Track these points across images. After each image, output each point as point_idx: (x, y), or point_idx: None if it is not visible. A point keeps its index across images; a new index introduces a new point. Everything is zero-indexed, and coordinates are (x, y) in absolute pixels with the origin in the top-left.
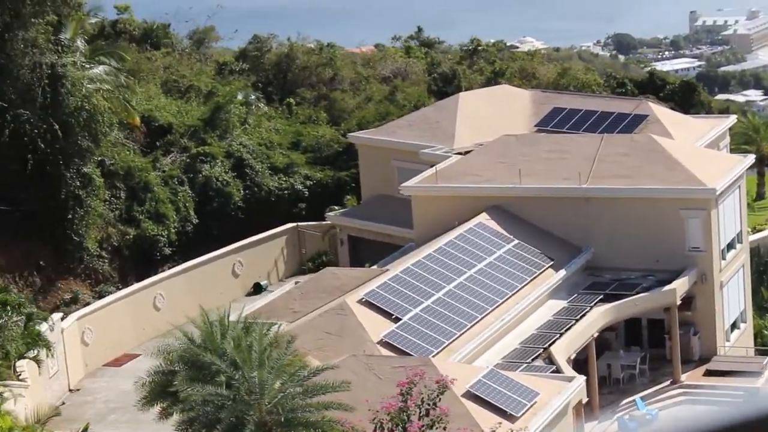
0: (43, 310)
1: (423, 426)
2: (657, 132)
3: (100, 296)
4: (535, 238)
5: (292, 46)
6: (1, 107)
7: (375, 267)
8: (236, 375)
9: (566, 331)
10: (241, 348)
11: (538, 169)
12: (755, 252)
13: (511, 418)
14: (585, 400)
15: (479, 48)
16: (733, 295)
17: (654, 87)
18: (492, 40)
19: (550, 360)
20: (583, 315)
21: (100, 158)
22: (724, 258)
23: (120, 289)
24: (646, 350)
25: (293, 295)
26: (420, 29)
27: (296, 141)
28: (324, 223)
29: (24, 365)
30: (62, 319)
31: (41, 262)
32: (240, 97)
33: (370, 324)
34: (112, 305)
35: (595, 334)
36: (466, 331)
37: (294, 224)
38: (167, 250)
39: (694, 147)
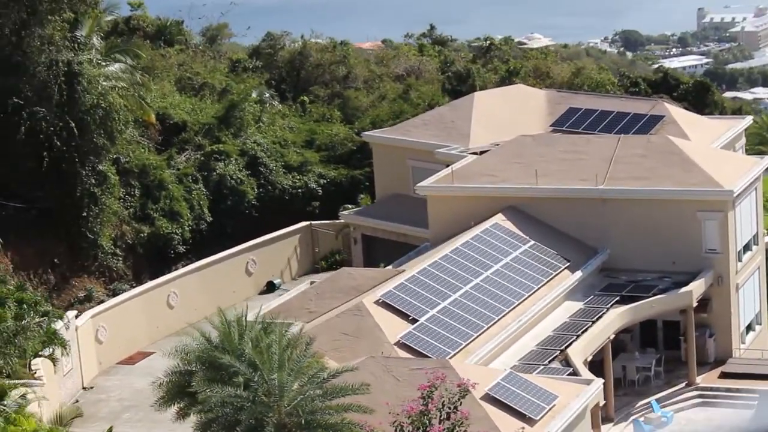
0: (58, 308)
1: (444, 430)
2: (673, 133)
3: (114, 294)
4: (552, 239)
5: (305, 44)
6: (18, 104)
7: (390, 267)
8: (255, 376)
9: (583, 333)
10: (259, 349)
11: (554, 169)
12: None
13: (530, 421)
14: (602, 402)
15: (492, 46)
16: (748, 297)
17: (667, 86)
18: (499, 36)
19: (567, 362)
20: (600, 317)
21: (115, 156)
22: (740, 260)
23: (134, 287)
24: (661, 352)
25: (309, 295)
26: (432, 27)
27: (310, 139)
28: (337, 221)
29: (39, 363)
30: (76, 316)
31: (56, 260)
32: (254, 95)
33: (387, 325)
34: (126, 303)
35: (612, 336)
36: (482, 333)
37: (307, 223)
38: (181, 248)
39: (711, 148)
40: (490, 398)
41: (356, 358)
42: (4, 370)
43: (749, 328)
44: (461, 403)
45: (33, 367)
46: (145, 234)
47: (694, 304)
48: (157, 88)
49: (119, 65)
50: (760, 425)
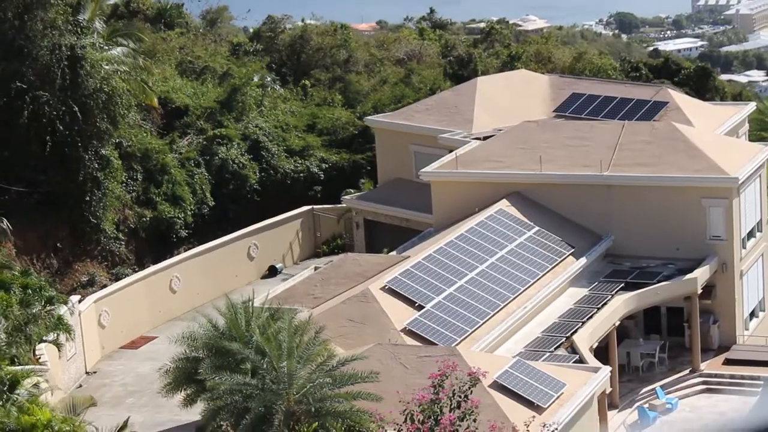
0: (60, 293)
1: (454, 418)
2: (677, 119)
3: (117, 278)
4: (556, 226)
5: (306, 27)
6: (21, 89)
7: (394, 253)
8: (263, 363)
9: (588, 319)
10: (267, 336)
11: (558, 155)
12: None
13: (538, 409)
14: (609, 390)
15: (493, 30)
16: (752, 283)
17: (669, 71)
18: (494, 18)
19: (573, 349)
20: (605, 303)
21: (117, 140)
22: (744, 247)
23: (136, 272)
24: (665, 338)
25: (314, 281)
26: (432, 10)
27: (312, 123)
28: (339, 206)
29: (43, 348)
30: (79, 301)
31: (58, 244)
32: (256, 79)
33: (393, 311)
34: (128, 288)
35: (617, 323)
36: (488, 319)
37: (309, 207)
38: (183, 233)
39: (716, 135)
40: (498, 386)
41: (363, 344)
42: (14, 358)
43: (752, 314)
44: (472, 391)
45: (37, 353)
46: (148, 218)
47: (699, 291)
48: (159, 71)
49: (122, 49)
50: (764, 412)
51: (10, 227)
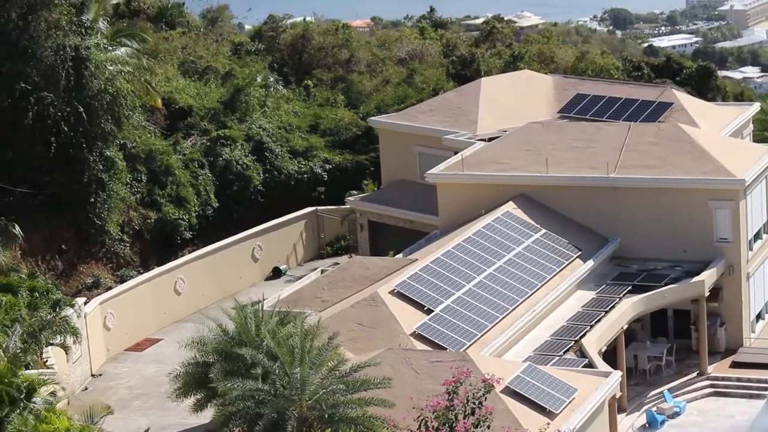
0: (65, 295)
1: (469, 425)
2: (682, 120)
3: (122, 280)
4: (563, 228)
5: (307, 27)
6: (25, 90)
7: (401, 255)
8: (275, 369)
9: (596, 323)
10: (278, 340)
11: (564, 157)
12: None
13: (550, 414)
14: (619, 394)
15: (494, 30)
16: (758, 285)
17: (671, 71)
18: (489, 14)
19: (582, 353)
20: (613, 306)
21: (122, 141)
22: (750, 249)
23: (141, 273)
24: (671, 341)
25: (321, 284)
26: (432, 9)
27: (315, 124)
28: (343, 207)
29: (50, 351)
30: (85, 303)
31: (63, 246)
32: (259, 79)
33: (402, 315)
34: (133, 290)
35: (625, 326)
36: (497, 323)
37: (313, 208)
38: (188, 234)
39: (722, 137)
40: (510, 391)
41: (372, 348)
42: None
43: (759, 316)
44: (486, 398)
45: (44, 356)
46: (152, 220)
47: (706, 294)
48: (162, 71)
49: (125, 49)
50: None
51: (21, 233)
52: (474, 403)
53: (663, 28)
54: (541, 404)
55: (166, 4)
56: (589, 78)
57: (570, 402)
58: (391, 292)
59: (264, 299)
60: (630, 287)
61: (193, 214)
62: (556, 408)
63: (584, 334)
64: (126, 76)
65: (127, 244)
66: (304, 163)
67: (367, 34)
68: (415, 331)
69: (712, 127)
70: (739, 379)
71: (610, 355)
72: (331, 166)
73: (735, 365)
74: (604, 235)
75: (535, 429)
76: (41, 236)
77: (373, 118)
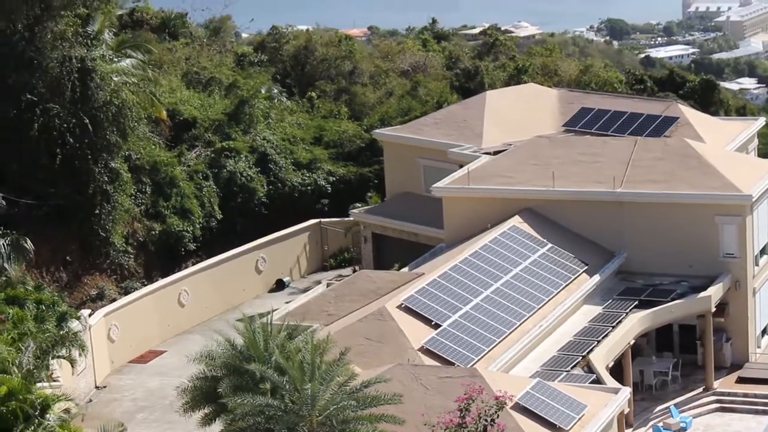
0: (70, 306)
1: None
2: (687, 135)
3: (126, 292)
4: (569, 242)
5: (310, 38)
6: (31, 101)
7: (406, 269)
8: (286, 384)
9: (604, 338)
10: (286, 354)
11: (571, 171)
12: None
13: (560, 431)
14: (627, 410)
15: (497, 42)
16: (764, 301)
17: (673, 84)
18: (486, 24)
19: (590, 368)
20: (619, 322)
21: (126, 153)
22: (757, 264)
23: (145, 285)
24: (677, 356)
25: (328, 298)
26: (434, 20)
27: (318, 136)
28: (347, 219)
29: (55, 363)
30: (89, 315)
31: (68, 257)
32: (263, 90)
33: (410, 330)
34: (137, 301)
35: (632, 342)
36: (505, 338)
37: (317, 221)
38: (192, 246)
39: (728, 152)
40: (520, 408)
41: (380, 363)
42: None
43: (765, 332)
44: (498, 415)
45: (50, 368)
46: (157, 231)
47: (713, 309)
48: (166, 83)
49: (130, 61)
50: None
51: (33, 247)
52: (486, 421)
53: (659, 38)
54: (552, 421)
55: (169, 14)
56: (594, 92)
57: (580, 418)
58: (399, 307)
59: (272, 312)
60: (636, 302)
61: (197, 226)
62: (566, 424)
63: (592, 350)
64: (131, 88)
65: (132, 256)
66: (307, 175)
67: (365, 42)
68: (423, 346)
69: (718, 141)
70: (745, 395)
71: (616, 370)
72: (334, 179)
73: (741, 380)
74: (610, 250)
75: None
76: (46, 248)
77: (377, 130)
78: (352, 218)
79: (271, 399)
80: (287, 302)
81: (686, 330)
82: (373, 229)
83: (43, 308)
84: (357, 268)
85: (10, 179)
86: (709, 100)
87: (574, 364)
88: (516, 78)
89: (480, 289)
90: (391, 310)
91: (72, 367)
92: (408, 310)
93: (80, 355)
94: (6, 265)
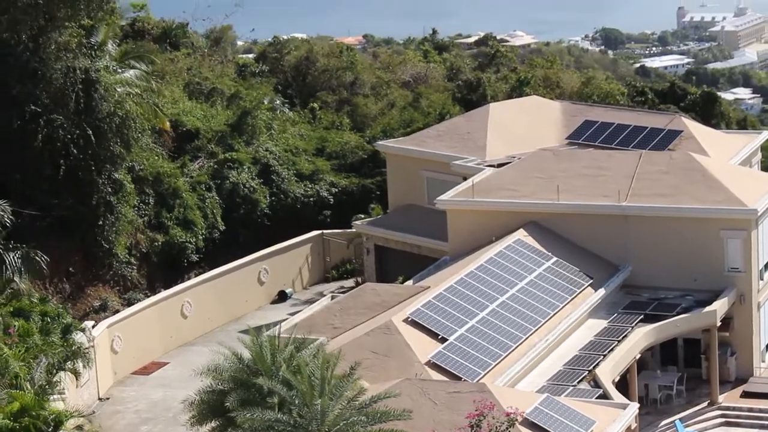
0: (73, 318)
1: None
2: (691, 148)
3: (129, 303)
4: (574, 256)
5: (311, 48)
6: (35, 112)
7: (411, 282)
8: (295, 399)
9: (609, 352)
10: (294, 368)
11: (575, 185)
12: None
13: None
14: (634, 426)
15: (498, 53)
16: None
17: (675, 96)
18: (481, 33)
19: (596, 383)
20: (625, 336)
21: (130, 164)
22: (761, 278)
23: (148, 296)
24: (682, 370)
25: (333, 311)
26: (435, 31)
27: (321, 147)
28: (349, 231)
29: (59, 375)
30: (93, 326)
31: (71, 269)
32: (266, 101)
33: (416, 344)
34: (140, 313)
35: (638, 356)
36: (511, 352)
37: (319, 232)
38: (194, 257)
39: (733, 166)
40: (529, 423)
41: (387, 377)
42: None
43: None
44: None
45: (54, 380)
46: (160, 243)
47: (718, 324)
48: (168, 93)
49: (134, 71)
50: None
51: (45, 258)
52: None
53: (654, 48)
54: None
55: (170, 24)
56: (597, 104)
57: None
58: (405, 320)
59: (280, 325)
60: (642, 316)
61: (200, 237)
62: None
63: (598, 364)
64: (135, 99)
65: (135, 267)
66: (310, 186)
67: (360, 50)
68: (429, 360)
69: (722, 155)
70: (750, 410)
71: (621, 384)
72: (337, 190)
73: (746, 395)
74: (614, 264)
75: None
76: (49, 259)
77: (380, 142)
78: (354, 230)
79: (279, 414)
80: (290, 314)
81: (691, 344)
82: (375, 240)
83: (48, 320)
84: (359, 279)
85: (13, 190)
86: (710, 113)
87: (580, 378)
88: (518, 90)
89: (486, 303)
90: (398, 323)
91: (76, 379)
92: (414, 324)
93: (84, 367)
94: (17, 279)
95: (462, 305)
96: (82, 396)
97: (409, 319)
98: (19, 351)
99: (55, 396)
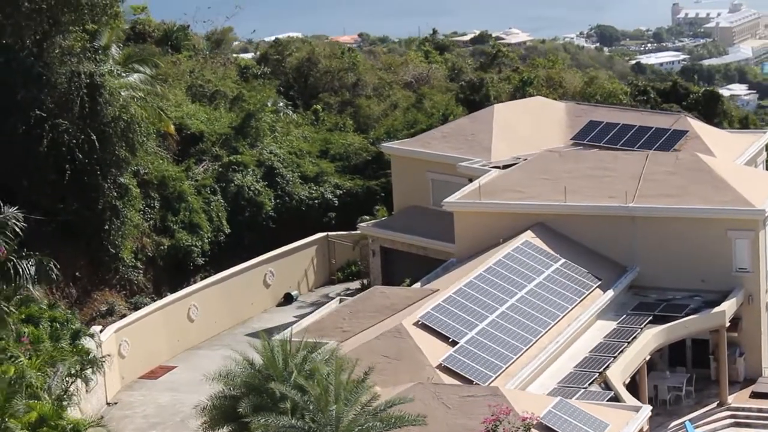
0: (81, 323)
1: None
2: (697, 148)
3: (136, 308)
4: (581, 257)
5: (313, 50)
6: (40, 117)
7: (419, 284)
8: (309, 405)
9: (620, 354)
10: (308, 374)
11: (582, 186)
12: None
13: None
14: (646, 428)
15: (499, 53)
16: None
17: (677, 95)
18: (476, 31)
19: (607, 385)
20: (635, 337)
21: (135, 168)
22: None
23: (154, 300)
24: (690, 371)
25: (342, 314)
26: (435, 31)
27: (324, 149)
28: (354, 232)
29: (69, 381)
30: (100, 331)
31: (77, 273)
32: (269, 104)
33: (427, 347)
34: (147, 317)
35: (648, 357)
36: (521, 355)
37: (324, 234)
38: (200, 261)
39: (740, 166)
40: (543, 427)
41: (398, 381)
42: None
43: None
44: None
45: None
46: (165, 246)
47: (727, 324)
48: (172, 96)
49: (138, 75)
50: None
51: (57, 265)
52: None
53: (649, 44)
54: None
55: (171, 27)
56: (602, 105)
57: None
58: (416, 324)
59: (291, 329)
60: (650, 317)
61: (206, 241)
62: None
63: (608, 366)
64: (139, 103)
65: (141, 271)
66: (314, 188)
67: (376, 59)
68: (441, 364)
69: (727, 155)
70: (759, 410)
71: (630, 386)
72: (341, 192)
73: (755, 395)
74: (622, 264)
75: None
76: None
77: (385, 144)
78: (359, 231)
79: (293, 419)
80: (296, 316)
81: (699, 344)
82: (381, 242)
83: (57, 326)
84: (365, 281)
85: (19, 195)
86: (712, 112)
87: (591, 380)
88: (521, 90)
89: (495, 306)
90: (408, 327)
91: (86, 385)
92: (425, 327)
93: (93, 372)
94: (30, 287)
95: (472, 308)
96: (90, 401)
97: (420, 323)
98: (36, 360)
99: (78, 405)
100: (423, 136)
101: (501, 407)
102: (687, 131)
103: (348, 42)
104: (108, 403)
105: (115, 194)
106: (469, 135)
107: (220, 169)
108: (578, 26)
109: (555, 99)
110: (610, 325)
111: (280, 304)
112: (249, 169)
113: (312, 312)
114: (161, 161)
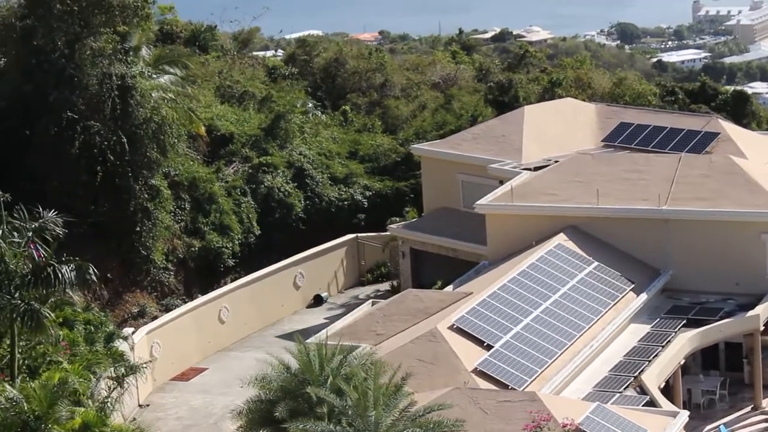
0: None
1: None
2: (729, 150)
3: (167, 309)
4: (614, 260)
5: (340, 50)
6: (72, 118)
7: (451, 287)
8: (347, 409)
9: (654, 358)
10: (346, 378)
11: (615, 189)
12: None
13: None
14: None
15: (527, 54)
16: None
17: (705, 96)
18: (497, 29)
19: (642, 389)
20: (669, 341)
21: (166, 169)
22: None
23: (185, 302)
24: (723, 374)
25: (375, 317)
26: (461, 31)
27: (354, 150)
28: (384, 234)
29: (102, 384)
30: (132, 333)
31: (109, 275)
32: (299, 105)
33: (462, 352)
34: (179, 319)
35: (683, 362)
36: (556, 359)
37: (354, 235)
38: (231, 262)
39: None
40: None
41: (433, 385)
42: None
43: None
44: None
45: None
46: (196, 248)
47: (761, 328)
48: (202, 98)
49: (169, 77)
50: None
51: (96, 272)
52: None
53: (670, 42)
54: None
55: (199, 27)
56: (632, 106)
57: None
58: (450, 327)
59: (326, 332)
60: (684, 321)
61: (236, 242)
62: None
63: (643, 370)
64: (170, 104)
65: (172, 273)
66: (344, 189)
67: (404, 60)
68: (476, 368)
69: (759, 157)
70: None
71: (664, 389)
72: (371, 193)
73: None
74: (655, 268)
75: None
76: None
77: (415, 145)
78: (389, 233)
79: (331, 425)
80: (326, 318)
81: (732, 348)
82: (411, 244)
83: (92, 329)
84: (395, 283)
85: (50, 196)
86: (741, 112)
87: (626, 385)
88: (550, 91)
89: (530, 309)
90: (443, 331)
91: (120, 387)
92: (459, 331)
93: (126, 374)
94: (70, 292)
95: (506, 311)
96: (122, 403)
97: (455, 327)
98: (78, 366)
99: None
100: (453, 138)
101: (541, 414)
102: (719, 133)
103: (368, 39)
104: (140, 405)
105: (147, 196)
106: (500, 136)
107: (250, 171)
108: (597, 23)
109: (584, 100)
110: (644, 329)
111: (309, 306)
112: (279, 171)
113: (342, 314)
114: (192, 163)
